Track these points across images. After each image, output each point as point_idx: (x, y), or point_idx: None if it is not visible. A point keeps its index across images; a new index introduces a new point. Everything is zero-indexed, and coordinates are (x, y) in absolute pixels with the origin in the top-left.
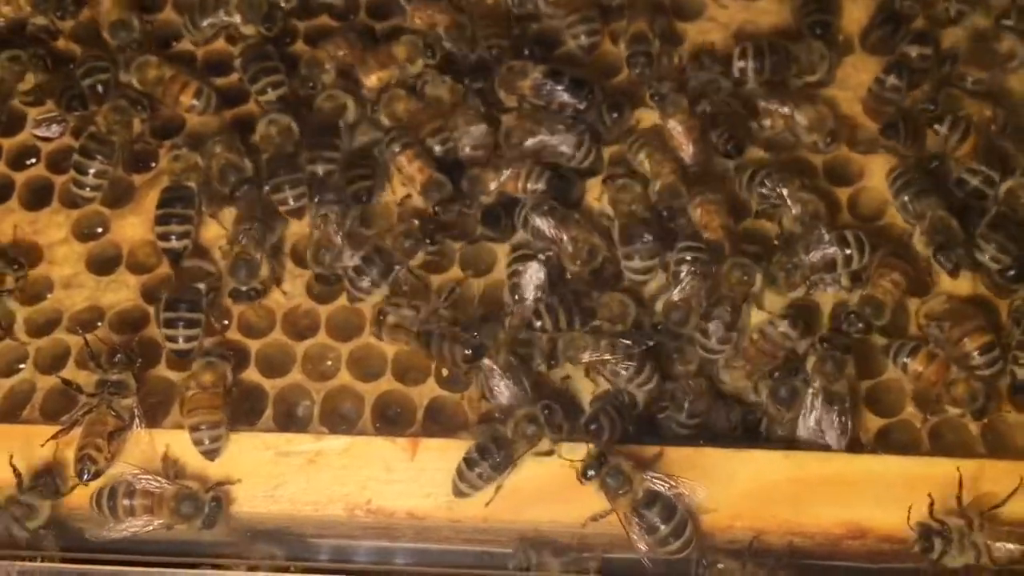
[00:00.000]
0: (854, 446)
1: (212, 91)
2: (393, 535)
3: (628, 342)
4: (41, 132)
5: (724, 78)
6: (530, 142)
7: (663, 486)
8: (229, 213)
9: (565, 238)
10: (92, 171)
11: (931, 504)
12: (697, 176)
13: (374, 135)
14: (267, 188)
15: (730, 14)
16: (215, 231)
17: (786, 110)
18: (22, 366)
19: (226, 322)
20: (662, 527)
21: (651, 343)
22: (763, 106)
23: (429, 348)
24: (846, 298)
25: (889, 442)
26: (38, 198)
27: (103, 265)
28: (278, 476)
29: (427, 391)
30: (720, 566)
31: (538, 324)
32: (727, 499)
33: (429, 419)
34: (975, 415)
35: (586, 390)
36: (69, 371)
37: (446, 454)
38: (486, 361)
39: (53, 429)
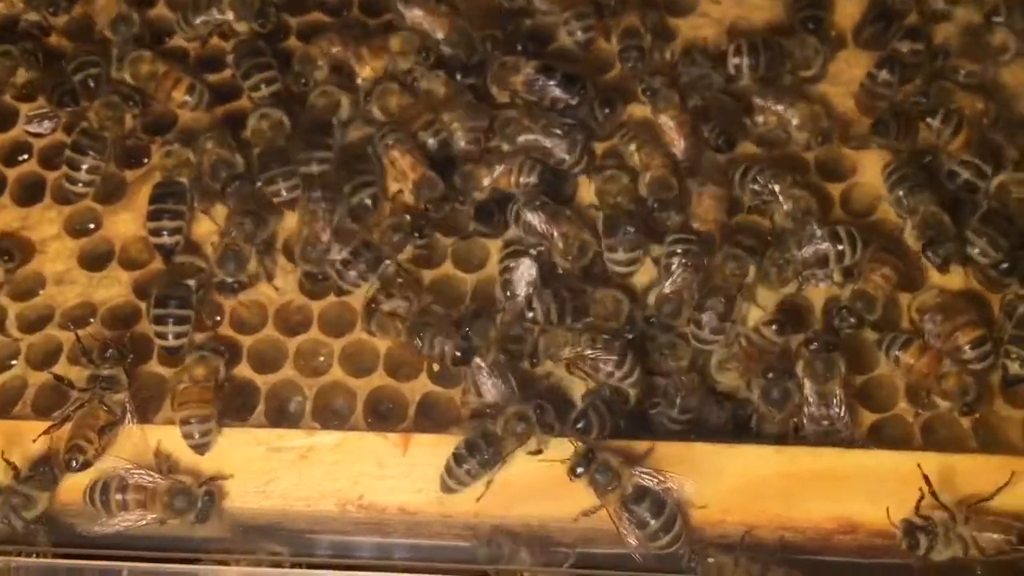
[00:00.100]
0: (846, 441)
1: (204, 87)
2: (385, 530)
3: (607, 335)
4: (33, 128)
5: (716, 73)
6: (523, 138)
7: (652, 481)
8: (221, 209)
9: (556, 234)
10: (84, 167)
11: (920, 499)
12: (700, 168)
13: (367, 130)
14: (260, 181)
15: (722, 10)
16: (207, 227)
17: (780, 107)
18: (14, 362)
19: (218, 318)
20: (652, 522)
21: (630, 335)
22: (757, 103)
23: (421, 342)
24: (838, 293)
25: (882, 437)
26: (30, 194)
27: (95, 261)
28: (270, 472)
29: (419, 387)
30: (711, 560)
31: (529, 315)
32: (718, 494)
33: (421, 415)
34: (964, 410)
35: (578, 387)
36: (61, 367)
37: (438, 450)
38: (476, 359)
39: (45, 425)
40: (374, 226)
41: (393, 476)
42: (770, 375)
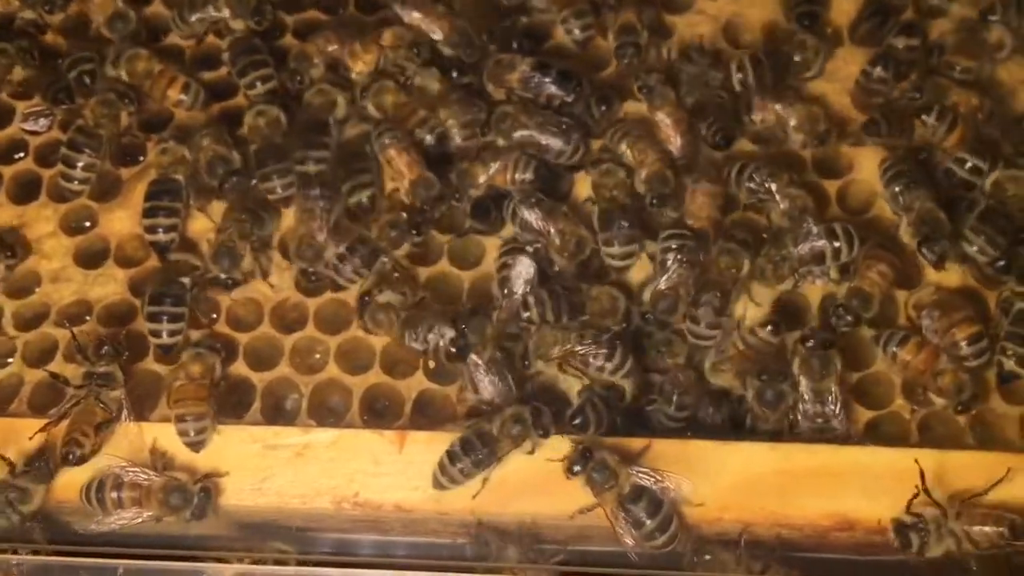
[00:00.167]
0: (842, 438)
1: (200, 86)
2: (381, 528)
3: (595, 329)
4: (28, 126)
5: (713, 71)
6: (519, 134)
7: (649, 480)
8: (217, 207)
9: (552, 230)
10: (80, 164)
11: (912, 497)
12: (696, 165)
13: (364, 127)
14: (256, 178)
15: (719, 6)
16: (203, 224)
17: (778, 107)
18: (10, 360)
19: (214, 316)
20: (648, 522)
21: (616, 328)
22: (756, 102)
23: (414, 336)
24: (835, 291)
25: (878, 434)
26: (26, 192)
27: (91, 259)
28: (266, 469)
29: (415, 384)
30: (707, 558)
31: (526, 315)
32: (715, 492)
33: (417, 412)
34: (959, 408)
35: (575, 385)
36: (57, 365)
37: (434, 447)
38: (472, 356)
39: (41, 422)
40: (371, 222)
41: (389, 473)
42: (764, 377)
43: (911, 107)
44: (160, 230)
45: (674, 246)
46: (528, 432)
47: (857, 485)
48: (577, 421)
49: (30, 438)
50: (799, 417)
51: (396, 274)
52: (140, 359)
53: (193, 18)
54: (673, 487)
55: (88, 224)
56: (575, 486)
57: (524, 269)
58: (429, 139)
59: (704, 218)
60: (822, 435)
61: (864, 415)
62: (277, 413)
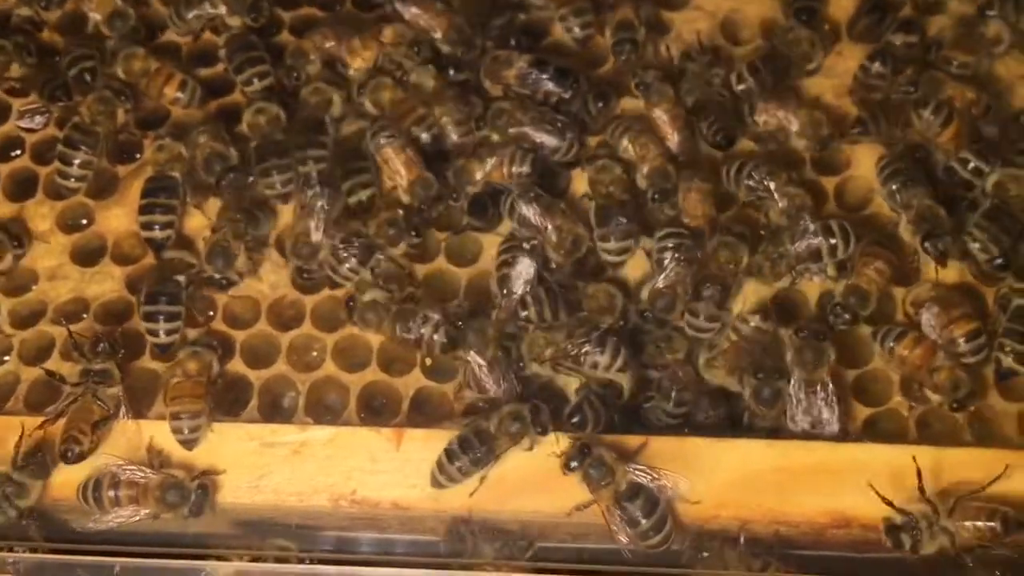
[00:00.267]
0: (839, 435)
1: (197, 84)
2: (379, 526)
3: (587, 327)
4: (25, 123)
5: (713, 70)
6: (514, 131)
7: (646, 478)
8: (214, 204)
9: (550, 227)
10: (76, 162)
11: (919, 485)
12: (687, 163)
13: (361, 125)
14: (254, 174)
15: (716, 2)
16: (199, 222)
17: (781, 113)
18: (6, 358)
19: (211, 313)
20: (643, 521)
21: (605, 324)
22: (759, 106)
23: (407, 330)
24: (832, 288)
25: (876, 431)
26: (22, 189)
27: (88, 256)
28: (263, 467)
29: (412, 381)
30: (705, 555)
31: (523, 314)
32: (712, 489)
33: (414, 410)
34: (954, 406)
35: (573, 383)
36: (53, 362)
37: (431, 444)
38: (474, 356)
39: (38, 420)
40: (371, 219)
41: (386, 471)
42: (760, 375)
43: (906, 101)
44: (156, 227)
45: (671, 245)
46: (526, 429)
47: (855, 482)
48: (574, 419)
49: (28, 435)
50: (792, 409)
51: (393, 271)
52: (137, 357)
53: (190, 15)
54: (670, 485)
55: (85, 222)
56: (573, 483)
57: (524, 269)
58: (425, 137)
59: (700, 216)
60: (816, 429)
61: (862, 412)
62: (274, 411)
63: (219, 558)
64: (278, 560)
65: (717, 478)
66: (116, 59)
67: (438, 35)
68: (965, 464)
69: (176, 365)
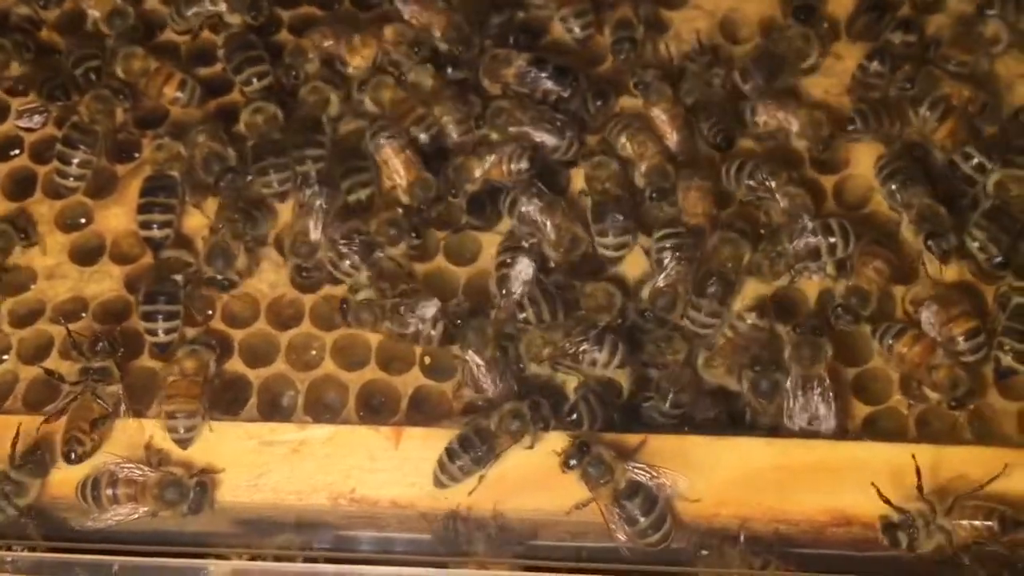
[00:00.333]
0: (839, 433)
1: (196, 83)
2: (378, 524)
3: (583, 325)
4: (23, 123)
5: (713, 70)
6: (513, 130)
7: (645, 476)
8: (212, 203)
9: (549, 225)
10: (75, 161)
11: (917, 484)
12: (687, 161)
13: (359, 124)
14: (252, 173)
15: (715, 1)
16: (198, 221)
17: (781, 114)
18: (5, 357)
19: (210, 312)
20: (642, 519)
21: (603, 322)
22: (759, 107)
23: (403, 324)
24: (831, 286)
25: (876, 430)
26: (21, 189)
27: (86, 255)
28: (261, 465)
29: (411, 380)
30: (704, 553)
31: (522, 316)
32: (711, 487)
33: (413, 408)
34: (952, 404)
35: (572, 381)
36: (52, 361)
37: (430, 443)
38: (472, 355)
39: (36, 419)
40: (371, 217)
41: (385, 470)
42: (757, 367)
43: (903, 98)
44: (155, 226)
45: (669, 244)
46: (527, 427)
47: (855, 481)
48: (571, 418)
49: (28, 434)
50: (790, 405)
51: (392, 269)
52: (136, 356)
53: (190, 12)
54: (669, 483)
55: (83, 221)
56: (572, 481)
57: (524, 269)
58: (424, 137)
59: (700, 214)
60: (812, 425)
61: (862, 410)
62: (273, 409)
63: (218, 556)
64: (277, 559)
65: (717, 476)
66: (115, 58)
67: (437, 33)
68: (965, 463)
69: (173, 364)
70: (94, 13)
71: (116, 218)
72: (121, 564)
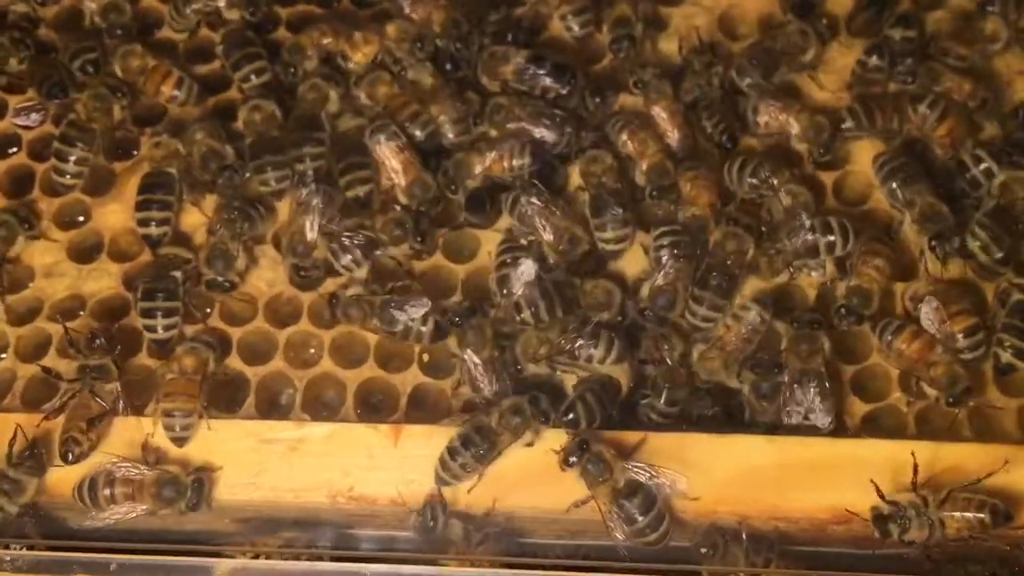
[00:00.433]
0: (838, 430)
1: (194, 82)
2: (377, 522)
3: (579, 322)
4: (21, 121)
5: (714, 69)
6: (512, 126)
7: (644, 475)
8: (211, 201)
9: (548, 225)
10: (73, 159)
11: (912, 480)
12: (687, 158)
13: (358, 121)
14: (250, 171)
15: None
16: (196, 218)
17: (783, 116)
18: (3, 355)
19: (208, 310)
20: (640, 519)
21: (598, 318)
22: (761, 107)
23: (391, 320)
24: (830, 285)
25: (876, 427)
26: (19, 186)
27: (84, 253)
28: (260, 463)
29: (410, 378)
30: (704, 551)
31: (520, 317)
32: (711, 485)
33: (412, 406)
34: (950, 401)
35: (571, 379)
36: (50, 359)
37: (429, 441)
38: (470, 354)
39: (35, 417)
40: (374, 214)
41: (384, 468)
42: (758, 370)
43: (903, 95)
44: (153, 223)
45: (666, 242)
46: (528, 423)
47: (855, 478)
48: (568, 416)
49: (35, 427)
50: (786, 399)
51: (391, 268)
52: (134, 354)
53: (189, 10)
54: (668, 483)
55: (81, 218)
56: (572, 479)
57: (525, 270)
58: (419, 134)
59: (704, 204)
60: (808, 419)
61: (861, 408)
62: (271, 407)
63: (216, 555)
64: (275, 556)
65: (716, 474)
66: (114, 56)
67: (436, 28)
68: (964, 459)
69: (172, 361)
70: (91, 5)
71: (114, 216)
72: (119, 563)
